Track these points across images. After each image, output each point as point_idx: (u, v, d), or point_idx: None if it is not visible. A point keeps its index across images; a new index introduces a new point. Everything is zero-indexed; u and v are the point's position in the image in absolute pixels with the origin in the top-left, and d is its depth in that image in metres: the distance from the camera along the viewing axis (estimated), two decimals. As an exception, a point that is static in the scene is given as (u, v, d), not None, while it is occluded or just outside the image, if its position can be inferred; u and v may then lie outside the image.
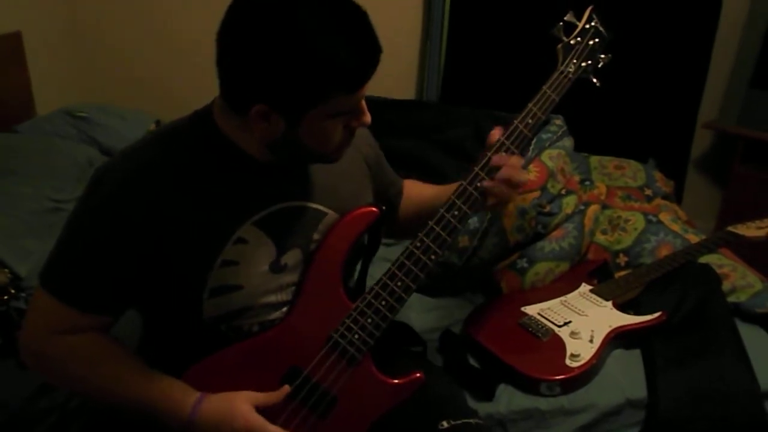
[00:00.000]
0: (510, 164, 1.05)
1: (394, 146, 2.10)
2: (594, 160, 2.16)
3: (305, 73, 0.82)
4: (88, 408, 1.16)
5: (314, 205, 1.02)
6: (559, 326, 1.38)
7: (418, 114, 2.34)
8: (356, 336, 1.00)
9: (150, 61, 2.61)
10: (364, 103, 0.91)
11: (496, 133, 1.10)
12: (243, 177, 0.95)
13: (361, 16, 0.85)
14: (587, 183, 1.82)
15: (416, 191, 1.24)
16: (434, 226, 1.05)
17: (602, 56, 1.21)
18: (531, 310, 1.44)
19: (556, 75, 1.15)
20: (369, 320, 1.01)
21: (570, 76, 1.16)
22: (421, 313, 1.54)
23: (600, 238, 1.70)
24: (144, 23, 2.58)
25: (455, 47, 2.80)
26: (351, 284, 1.11)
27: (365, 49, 0.85)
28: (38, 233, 1.51)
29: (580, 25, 1.20)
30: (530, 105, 1.13)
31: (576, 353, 1.27)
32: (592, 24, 1.20)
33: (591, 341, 1.32)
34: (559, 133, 1.88)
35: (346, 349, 1.00)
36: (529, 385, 1.26)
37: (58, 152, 1.86)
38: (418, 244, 1.03)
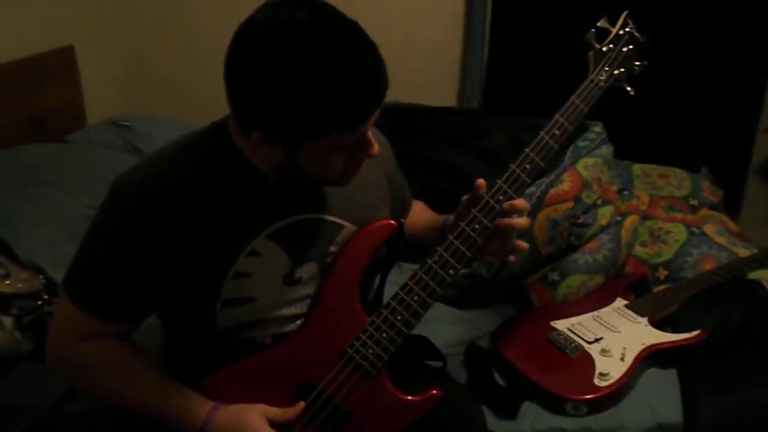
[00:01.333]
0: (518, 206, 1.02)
1: (424, 153, 2.09)
2: (637, 168, 2.08)
3: (299, 110, 0.81)
4: (115, 413, 1.19)
5: (331, 218, 1.02)
6: (590, 342, 1.33)
7: (452, 120, 2.31)
8: (371, 351, 0.99)
9: (196, 73, 2.68)
10: (370, 134, 0.89)
11: None
12: (256, 190, 0.95)
13: (367, 52, 0.83)
14: (626, 193, 1.75)
15: (419, 215, 1.22)
16: (453, 240, 1.02)
17: (637, 64, 1.16)
18: (561, 324, 1.39)
19: (585, 84, 1.11)
20: (384, 335, 0.99)
21: (601, 84, 1.11)
22: (448, 326, 1.51)
23: (639, 250, 1.63)
24: (192, 36, 2.65)
25: (498, 53, 2.75)
26: (369, 298, 1.10)
27: (364, 89, 0.82)
28: (77, 240, 1.56)
29: (614, 31, 1.15)
30: (557, 116, 1.09)
31: (605, 372, 1.23)
32: (627, 30, 1.15)
33: (622, 359, 1.27)
34: (598, 140, 1.83)
35: (360, 363, 0.98)
36: (554, 404, 1.22)
37: (100, 161, 1.93)
38: (437, 259, 1.01)
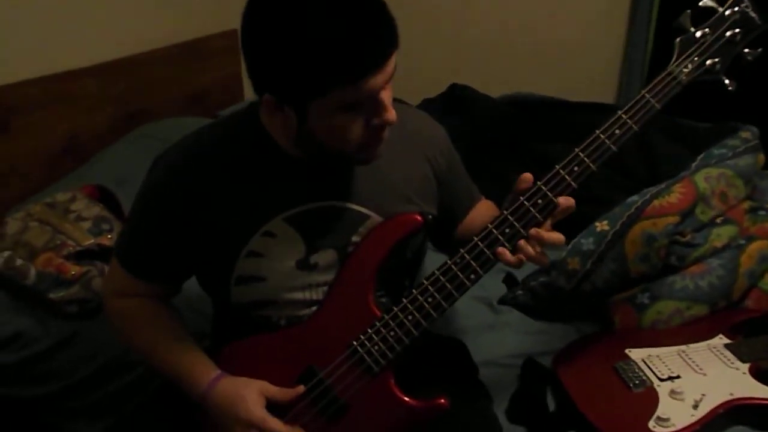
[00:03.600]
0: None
1: (539, 150, 1.95)
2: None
3: (298, 60, 0.80)
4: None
5: (356, 207, 1.00)
6: (661, 379, 1.14)
7: (586, 117, 2.12)
8: (376, 347, 0.96)
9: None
10: (384, 98, 0.85)
11: None
12: (279, 172, 0.96)
13: (374, 6, 0.80)
14: (762, 213, 1.47)
15: (482, 216, 1.14)
16: (479, 242, 0.95)
17: (747, 51, 0.96)
18: (636, 353, 1.22)
19: (661, 77, 0.95)
20: (392, 333, 0.96)
21: (681, 78, 0.95)
22: (518, 334, 1.41)
23: (767, 283, 1.36)
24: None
25: (662, 51, 2.48)
26: (390, 296, 1.05)
27: (365, 38, 0.79)
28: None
29: (720, 11, 0.96)
30: (620, 113, 0.95)
31: (665, 416, 1.05)
32: (738, 9, 0.96)
33: (695, 407, 1.07)
34: (741, 148, 1.55)
35: (364, 358, 0.96)
36: (595, 441, 1.07)
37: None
38: (458, 261, 0.95)
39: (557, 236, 0.93)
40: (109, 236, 1.44)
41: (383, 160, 0.97)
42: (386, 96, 0.86)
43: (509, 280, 1.53)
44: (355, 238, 1.00)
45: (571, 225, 1.51)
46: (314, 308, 1.01)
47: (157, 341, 1.02)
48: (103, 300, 1.08)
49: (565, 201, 0.93)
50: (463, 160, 1.17)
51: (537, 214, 0.93)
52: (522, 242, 0.92)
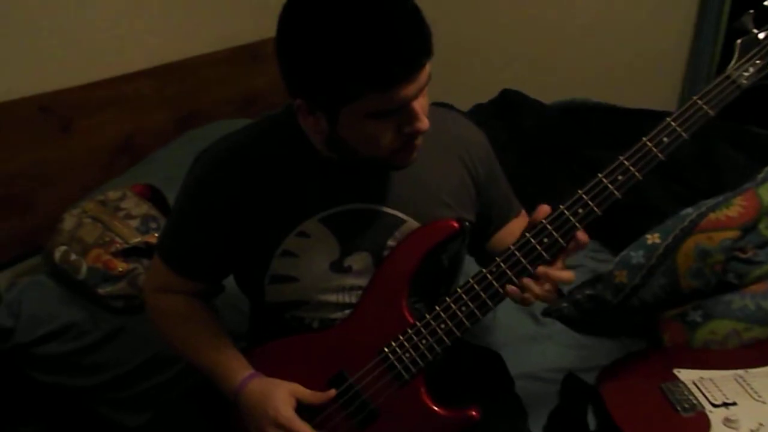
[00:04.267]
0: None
1: (591, 157, 1.88)
2: None
3: (329, 67, 0.79)
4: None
5: (392, 211, 0.98)
6: (714, 405, 1.07)
7: (643, 124, 2.03)
8: (407, 354, 0.94)
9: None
10: (417, 107, 0.84)
11: None
12: (316, 173, 0.96)
13: (400, 11, 0.78)
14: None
15: (518, 229, 1.10)
16: (516, 252, 0.92)
17: None
18: (686, 375, 1.15)
19: (718, 80, 0.90)
20: (423, 341, 0.94)
21: (741, 82, 0.89)
22: (560, 347, 1.36)
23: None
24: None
25: (728, 59, 2.35)
26: (425, 303, 1.03)
27: (396, 46, 0.78)
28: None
29: None
30: (669, 119, 0.90)
31: (715, 445, 0.98)
32: None
33: (750, 436, 1.00)
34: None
35: (394, 365, 0.95)
36: (636, 465, 1.02)
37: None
38: (493, 269, 0.92)
39: (567, 275, 0.91)
40: (156, 235, 1.48)
41: (421, 164, 0.96)
42: (419, 105, 0.84)
43: (554, 292, 1.48)
44: (390, 243, 0.98)
45: (621, 236, 1.46)
46: (347, 311, 1.00)
47: (193, 338, 1.03)
48: (144, 295, 1.10)
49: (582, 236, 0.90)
50: (511, 167, 1.14)
51: (558, 241, 0.90)
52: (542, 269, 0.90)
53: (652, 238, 1.29)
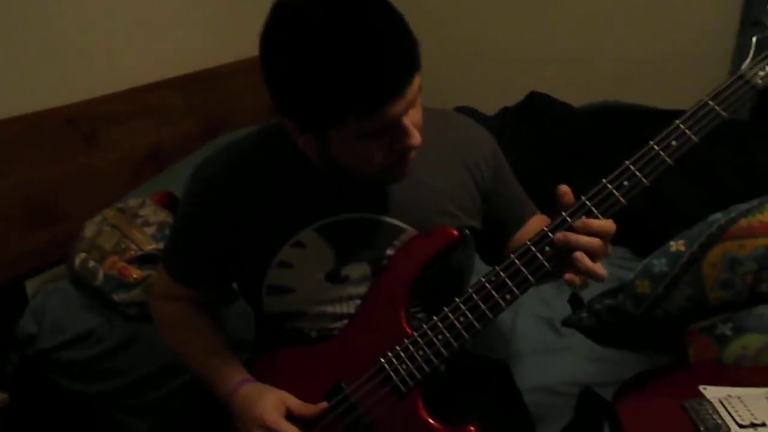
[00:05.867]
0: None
1: (622, 162, 1.80)
2: None
3: (312, 91, 0.77)
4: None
5: (390, 220, 0.96)
6: (741, 425, 0.99)
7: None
8: (403, 366, 0.91)
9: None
10: (407, 122, 0.81)
11: None
12: (313, 183, 0.95)
13: (382, 34, 0.76)
14: None
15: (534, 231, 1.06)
16: (516, 260, 0.88)
17: None
18: (711, 392, 1.07)
19: (732, 80, 0.84)
20: (420, 352, 0.91)
21: (756, 82, 0.83)
22: (580, 360, 1.30)
23: None
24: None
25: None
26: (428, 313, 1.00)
27: (379, 69, 0.75)
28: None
29: None
30: (678, 122, 0.85)
31: (738, 469, 0.91)
32: None
33: (778, 461, 0.92)
34: None
35: (390, 377, 0.92)
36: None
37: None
38: (493, 278, 0.88)
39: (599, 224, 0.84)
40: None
41: (422, 172, 0.94)
42: (409, 119, 0.82)
43: (575, 301, 1.42)
44: (389, 252, 0.96)
45: (652, 244, 1.39)
46: (345, 322, 0.98)
47: (191, 342, 1.04)
48: (149, 301, 1.11)
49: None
50: (537, 172, 1.10)
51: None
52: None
53: (676, 245, 1.21)
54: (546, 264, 0.86)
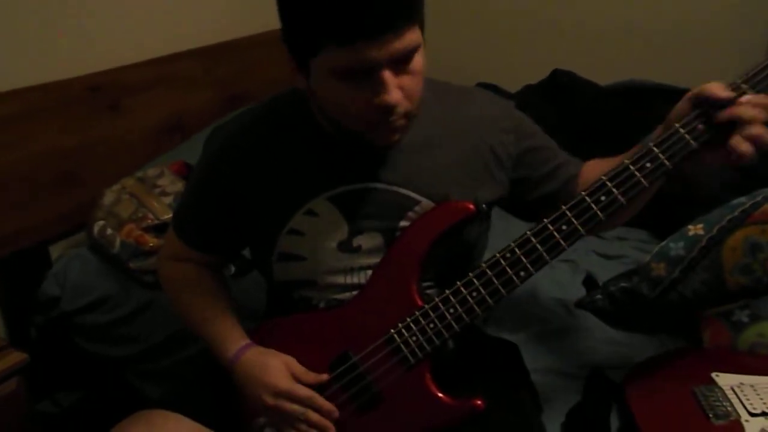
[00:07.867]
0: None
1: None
2: None
3: (294, 15, 0.79)
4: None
5: (404, 191, 0.95)
6: (753, 414, 0.98)
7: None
8: (414, 338, 0.91)
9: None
10: (387, 77, 0.78)
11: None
12: (326, 151, 0.94)
13: None
14: None
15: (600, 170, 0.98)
16: (532, 237, 0.87)
17: None
18: (724, 379, 1.05)
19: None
20: (431, 325, 0.91)
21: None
22: (591, 342, 1.29)
23: None
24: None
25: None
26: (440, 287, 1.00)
27: (360, 1, 0.73)
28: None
29: None
30: (677, 126, 0.84)
31: (746, 457, 0.90)
32: None
33: (787, 450, 0.91)
34: None
35: (400, 348, 0.92)
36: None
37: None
38: (508, 255, 0.88)
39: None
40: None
41: (438, 144, 0.93)
42: (394, 79, 0.79)
43: (589, 282, 1.40)
44: (403, 223, 0.95)
45: (667, 227, 1.36)
46: (355, 293, 0.98)
47: (195, 304, 1.04)
48: (158, 263, 1.12)
49: None
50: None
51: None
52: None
53: (695, 229, 1.19)
54: (562, 242, 0.85)
